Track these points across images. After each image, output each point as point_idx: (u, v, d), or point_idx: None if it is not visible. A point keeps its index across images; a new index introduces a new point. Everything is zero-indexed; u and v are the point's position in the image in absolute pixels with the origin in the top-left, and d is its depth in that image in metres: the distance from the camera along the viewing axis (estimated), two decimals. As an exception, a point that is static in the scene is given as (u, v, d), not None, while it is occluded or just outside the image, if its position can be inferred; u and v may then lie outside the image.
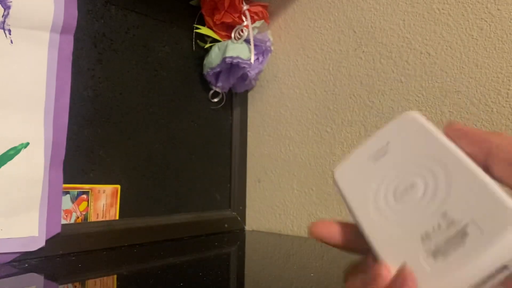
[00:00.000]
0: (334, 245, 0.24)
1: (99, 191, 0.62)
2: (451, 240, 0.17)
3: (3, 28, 0.51)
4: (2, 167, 0.50)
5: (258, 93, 0.87)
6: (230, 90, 0.84)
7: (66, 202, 0.58)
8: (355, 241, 0.23)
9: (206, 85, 0.80)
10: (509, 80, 0.56)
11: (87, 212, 0.60)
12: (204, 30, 0.77)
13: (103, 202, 0.62)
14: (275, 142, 0.83)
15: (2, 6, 0.50)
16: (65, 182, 0.57)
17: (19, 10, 0.51)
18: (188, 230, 0.73)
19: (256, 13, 0.78)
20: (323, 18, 0.78)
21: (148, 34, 0.70)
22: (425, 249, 0.18)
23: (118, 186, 0.64)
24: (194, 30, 0.78)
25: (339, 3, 0.75)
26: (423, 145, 0.22)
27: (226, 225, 0.80)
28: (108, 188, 0.63)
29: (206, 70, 0.77)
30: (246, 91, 0.88)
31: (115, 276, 0.51)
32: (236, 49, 0.73)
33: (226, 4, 0.74)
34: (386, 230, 0.20)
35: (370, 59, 0.70)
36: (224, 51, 0.73)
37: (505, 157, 0.20)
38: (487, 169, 0.20)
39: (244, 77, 0.79)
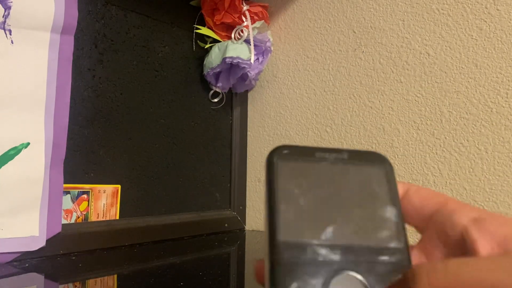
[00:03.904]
0: None
1: (99, 191, 0.62)
2: None
3: (4, 29, 0.51)
4: (3, 167, 0.50)
5: (258, 93, 0.87)
6: (230, 90, 0.84)
7: (67, 202, 0.58)
8: None
9: (206, 85, 0.80)
10: (508, 80, 0.56)
11: (88, 212, 0.60)
12: (204, 31, 0.77)
13: (104, 202, 0.62)
14: (275, 142, 0.83)
15: (3, 6, 0.50)
16: (65, 182, 0.57)
17: (19, 11, 0.51)
18: (188, 230, 0.73)
19: (256, 14, 0.79)
20: (323, 18, 0.78)
21: (148, 34, 0.70)
22: None
23: (119, 186, 0.64)
24: (194, 31, 0.78)
25: (339, 3, 0.75)
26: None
27: (226, 225, 0.80)
28: (109, 188, 0.63)
29: (206, 70, 0.77)
30: (246, 91, 0.88)
31: (115, 276, 0.51)
32: (236, 50, 0.73)
33: (226, 4, 0.74)
34: None
35: (370, 59, 0.70)
36: (224, 52, 0.73)
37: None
38: None
39: (244, 77, 0.79)
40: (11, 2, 0.51)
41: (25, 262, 0.51)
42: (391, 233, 0.20)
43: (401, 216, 0.20)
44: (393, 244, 0.19)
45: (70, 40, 0.57)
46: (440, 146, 0.61)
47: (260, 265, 0.20)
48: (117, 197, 0.64)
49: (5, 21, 0.51)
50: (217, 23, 0.77)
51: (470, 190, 0.58)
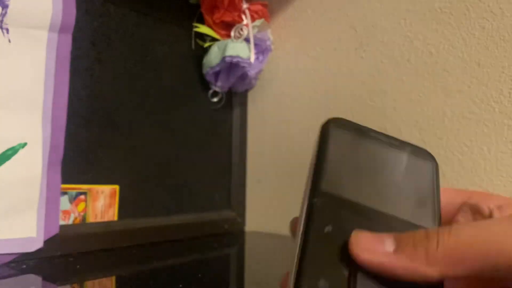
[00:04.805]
0: None
1: (97, 192, 0.61)
2: None
3: (1, 27, 0.50)
4: (0, 168, 0.50)
5: (258, 93, 0.86)
6: (230, 89, 0.84)
7: (64, 202, 0.57)
8: None
9: (205, 84, 0.80)
10: (511, 79, 0.56)
11: (85, 213, 0.60)
12: (203, 29, 0.77)
13: (102, 203, 0.62)
14: (275, 142, 0.83)
15: (0, 5, 0.50)
16: (63, 183, 0.56)
17: (17, 9, 0.51)
18: (188, 231, 0.72)
19: (256, 12, 0.78)
20: (324, 17, 0.77)
21: (147, 33, 0.70)
22: None
23: (117, 187, 0.64)
24: (194, 29, 0.77)
25: (340, 2, 0.75)
26: None
27: (226, 226, 0.80)
28: (107, 188, 0.63)
29: (205, 69, 0.77)
30: (246, 91, 0.88)
31: (113, 278, 0.50)
32: (236, 48, 0.73)
33: (226, 2, 0.74)
34: None
35: (371, 58, 0.70)
36: (224, 50, 0.73)
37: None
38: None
39: (244, 77, 0.78)
40: (9, 0, 0.50)
41: (22, 263, 0.51)
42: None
43: (439, 218, 0.20)
44: None
45: (68, 39, 0.57)
46: (443, 146, 0.61)
47: (285, 279, 0.20)
48: (115, 197, 0.64)
49: (2, 20, 0.50)
50: (216, 22, 0.76)
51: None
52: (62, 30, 0.55)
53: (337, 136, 0.21)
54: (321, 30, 0.77)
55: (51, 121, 0.55)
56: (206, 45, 0.78)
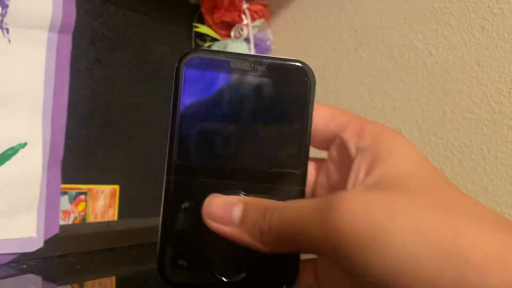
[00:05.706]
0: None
1: (97, 192, 0.61)
2: None
3: (1, 27, 0.50)
4: (0, 168, 0.50)
5: (258, 93, 0.87)
6: (230, 89, 0.84)
7: (64, 202, 0.57)
8: None
9: (205, 84, 0.80)
10: (511, 79, 0.56)
11: (86, 213, 0.60)
12: (203, 29, 0.77)
13: (102, 203, 0.62)
14: (275, 142, 0.83)
15: (0, 5, 0.50)
16: (63, 183, 0.56)
17: (17, 9, 0.51)
18: (188, 231, 0.72)
19: (256, 12, 0.78)
20: (324, 17, 0.77)
21: (147, 33, 0.70)
22: None
23: (117, 187, 0.64)
24: (194, 29, 0.77)
25: (340, 2, 0.75)
26: None
27: (226, 226, 0.80)
28: (107, 188, 0.63)
29: (205, 69, 0.77)
30: (246, 91, 0.88)
31: (113, 277, 0.50)
32: (236, 48, 0.73)
33: (226, 2, 0.74)
34: None
35: (371, 59, 0.70)
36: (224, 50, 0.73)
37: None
38: None
39: (244, 77, 0.78)
40: (9, 0, 0.50)
41: (22, 263, 0.51)
42: (291, 157, 0.19)
43: (308, 138, 0.19)
44: (290, 170, 0.19)
45: (68, 39, 0.57)
46: (443, 146, 0.61)
47: None
48: (115, 197, 0.64)
49: (2, 20, 0.50)
50: (216, 22, 0.76)
51: (473, 190, 0.58)
52: (62, 30, 0.55)
53: (191, 80, 0.19)
54: (321, 30, 0.77)
55: (51, 121, 0.54)
56: (206, 45, 0.78)
